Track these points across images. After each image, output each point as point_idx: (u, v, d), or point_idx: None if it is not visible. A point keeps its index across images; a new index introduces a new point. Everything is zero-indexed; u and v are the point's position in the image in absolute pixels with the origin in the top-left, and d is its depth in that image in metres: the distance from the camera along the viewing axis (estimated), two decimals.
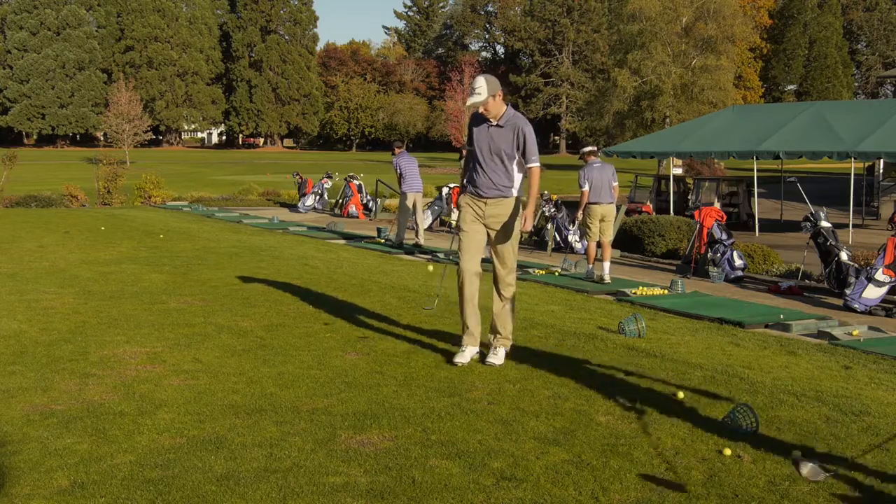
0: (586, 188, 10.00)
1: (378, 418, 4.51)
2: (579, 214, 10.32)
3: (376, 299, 8.21)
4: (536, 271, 10.65)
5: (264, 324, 6.87)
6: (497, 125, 5.68)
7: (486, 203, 5.76)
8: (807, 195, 12.63)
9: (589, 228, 10.12)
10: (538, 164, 5.72)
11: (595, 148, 10.49)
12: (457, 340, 6.09)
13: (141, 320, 6.94)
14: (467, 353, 5.78)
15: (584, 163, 10.22)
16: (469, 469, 3.82)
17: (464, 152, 6.24)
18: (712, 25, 42.63)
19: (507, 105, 5.74)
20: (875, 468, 3.98)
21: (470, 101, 5.63)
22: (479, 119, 5.78)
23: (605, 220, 10.10)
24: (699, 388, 5.25)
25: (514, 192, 5.76)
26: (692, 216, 12.99)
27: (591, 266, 10.15)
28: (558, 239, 14.08)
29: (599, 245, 10.15)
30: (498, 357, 5.78)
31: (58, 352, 5.82)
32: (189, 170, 44.00)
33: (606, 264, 10.01)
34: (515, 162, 5.71)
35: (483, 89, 5.56)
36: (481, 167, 5.73)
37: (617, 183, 10.17)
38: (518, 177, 5.76)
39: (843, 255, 9.80)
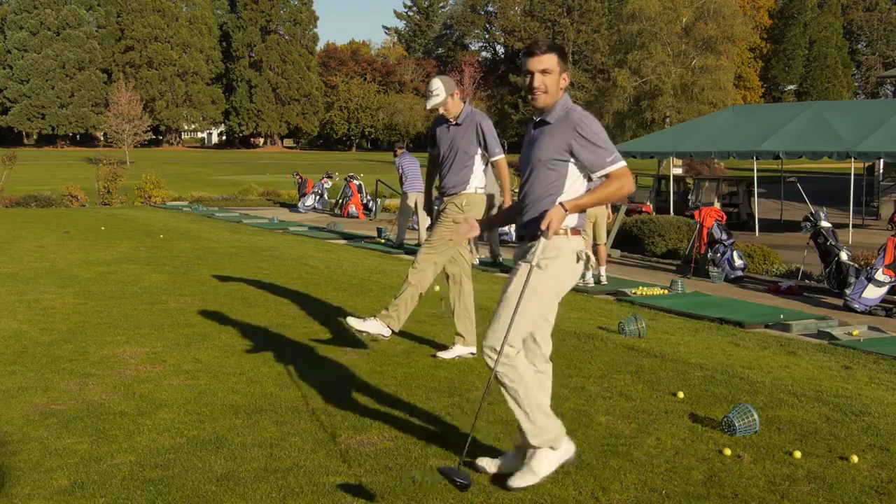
0: None
1: (378, 418, 4.51)
2: None
3: (376, 299, 8.21)
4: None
5: (264, 324, 6.87)
6: (457, 123, 5.79)
7: (444, 201, 5.86)
8: (807, 195, 12.64)
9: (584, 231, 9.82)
10: (502, 156, 5.86)
11: None
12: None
13: (141, 320, 6.94)
14: (450, 352, 5.93)
15: None
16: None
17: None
18: (712, 25, 42.62)
19: (464, 103, 5.85)
20: (874, 467, 3.98)
21: (431, 103, 5.74)
22: (440, 120, 5.91)
23: (598, 221, 9.80)
24: (699, 388, 5.25)
25: (471, 187, 5.78)
26: (692, 216, 12.99)
27: (589, 270, 9.87)
28: None
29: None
30: (369, 323, 5.54)
31: (58, 352, 5.82)
32: (189, 170, 43.98)
33: (602, 269, 9.90)
34: (478, 156, 5.79)
35: (441, 90, 5.68)
36: (445, 167, 5.83)
37: None
38: (479, 171, 5.81)
39: (843, 255, 9.80)
